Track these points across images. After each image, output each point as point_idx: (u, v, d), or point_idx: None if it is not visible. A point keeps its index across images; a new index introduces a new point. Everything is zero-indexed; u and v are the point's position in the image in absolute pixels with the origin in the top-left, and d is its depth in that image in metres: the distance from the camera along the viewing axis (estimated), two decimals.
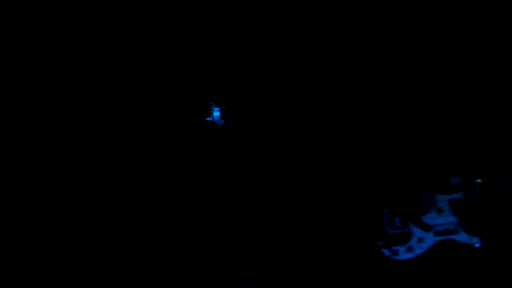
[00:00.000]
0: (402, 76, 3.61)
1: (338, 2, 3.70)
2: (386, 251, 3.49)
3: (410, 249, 3.45)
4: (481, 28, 3.48)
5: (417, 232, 3.44)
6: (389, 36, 3.63)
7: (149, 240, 3.69)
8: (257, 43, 3.76)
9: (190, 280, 3.64)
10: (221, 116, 3.19)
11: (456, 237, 3.38)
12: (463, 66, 3.44)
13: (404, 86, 3.60)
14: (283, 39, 3.76)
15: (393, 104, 3.56)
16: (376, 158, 3.58)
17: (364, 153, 3.63)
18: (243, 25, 3.74)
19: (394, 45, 3.62)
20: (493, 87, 3.34)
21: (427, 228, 3.36)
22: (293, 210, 3.62)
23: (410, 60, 3.58)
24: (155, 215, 3.68)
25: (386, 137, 3.57)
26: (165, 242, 3.66)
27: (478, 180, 3.29)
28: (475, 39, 3.48)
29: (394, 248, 3.48)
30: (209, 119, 3.20)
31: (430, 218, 3.43)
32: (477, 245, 3.32)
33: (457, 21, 3.50)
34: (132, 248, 3.68)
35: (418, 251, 3.44)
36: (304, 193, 3.65)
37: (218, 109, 3.18)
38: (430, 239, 3.42)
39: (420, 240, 3.43)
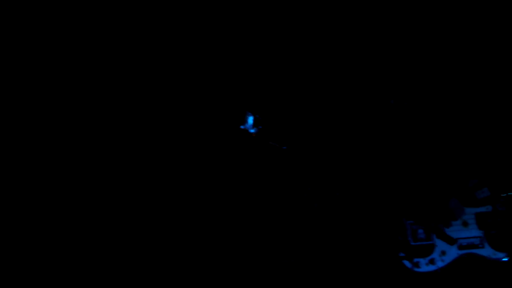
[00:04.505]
0: (433, 84, 3.65)
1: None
2: (407, 263, 3.42)
3: (432, 261, 3.40)
4: None
5: (440, 244, 3.39)
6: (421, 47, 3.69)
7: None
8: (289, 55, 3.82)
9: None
10: (255, 125, 3.22)
11: (480, 252, 3.34)
12: (496, 77, 3.49)
13: (435, 96, 3.62)
14: (314, 52, 3.82)
15: (423, 113, 3.57)
16: (404, 166, 3.55)
17: (391, 161, 3.60)
18: (279, 39, 3.81)
19: (426, 56, 3.67)
20: None
21: (451, 241, 3.32)
22: (316, 205, 3.54)
23: (442, 70, 3.63)
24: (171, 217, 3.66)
25: (415, 147, 3.57)
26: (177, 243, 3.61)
27: (509, 193, 3.29)
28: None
29: (416, 260, 3.42)
30: (243, 127, 3.23)
31: (455, 231, 3.39)
32: (504, 259, 3.29)
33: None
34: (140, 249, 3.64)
35: (440, 264, 3.38)
36: (327, 200, 3.59)
37: (252, 117, 3.22)
38: (453, 253, 3.38)
39: (443, 253, 3.38)
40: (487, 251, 3.32)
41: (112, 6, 3.76)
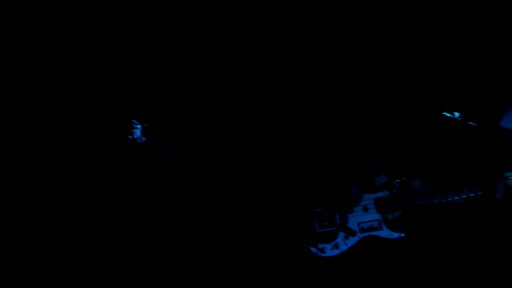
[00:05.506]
0: (331, 82, 3.79)
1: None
2: (313, 249, 3.59)
3: (336, 246, 3.59)
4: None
5: None
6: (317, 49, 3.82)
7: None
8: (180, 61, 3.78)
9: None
10: (143, 134, 3.09)
11: (378, 233, 3.60)
12: (389, 73, 3.71)
13: (333, 91, 3.77)
14: (208, 55, 3.79)
15: (323, 107, 3.70)
16: (305, 159, 3.67)
17: (293, 155, 3.70)
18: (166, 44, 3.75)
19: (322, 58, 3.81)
20: (414, 96, 3.66)
21: (352, 233, 3.49)
22: (219, 209, 3.54)
23: (337, 69, 3.79)
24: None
25: (315, 139, 3.69)
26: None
27: (403, 179, 3.56)
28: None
29: (321, 246, 3.59)
30: (131, 137, 3.09)
31: (356, 216, 3.61)
32: (396, 238, 3.58)
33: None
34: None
35: (344, 247, 3.60)
36: (232, 194, 3.60)
37: (140, 126, 3.08)
38: (355, 237, 3.60)
39: (346, 237, 3.59)
40: (384, 232, 3.59)
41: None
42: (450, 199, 3.43)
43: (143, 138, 3.09)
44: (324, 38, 3.84)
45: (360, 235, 3.60)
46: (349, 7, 3.86)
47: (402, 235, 3.58)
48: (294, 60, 3.82)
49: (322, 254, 3.59)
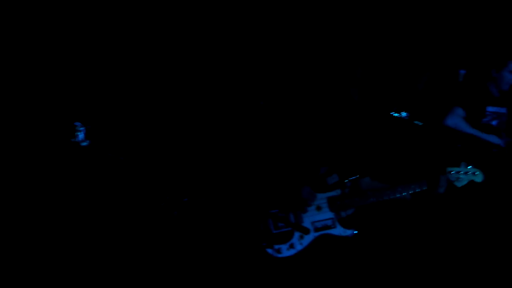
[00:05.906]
0: (280, 82, 3.85)
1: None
2: (269, 250, 3.64)
3: (292, 246, 3.65)
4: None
5: None
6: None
7: None
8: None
9: None
10: (87, 137, 3.03)
11: (332, 231, 3.68)
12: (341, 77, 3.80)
13: (283, 92, 3.83)
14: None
15: (274, 108, 3.76)
16: (259, 161, 3.71)
17: (247, 157, 3.74)
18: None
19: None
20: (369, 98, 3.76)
21: (306, 231, 3.55)
22: (176, 213, 3.54)
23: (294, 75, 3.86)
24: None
25: (267, 140, 3.74)
26: None
27: (354, 177, 3.65)
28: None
29: (277, 246, 3.64)
30: (74, 140, 3.02)
31: (310, 216, 3.68)
32: (349, 235, 3.66)
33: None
34: None
35: (299, 247, 3.66)
36: (187, 196, 3.61)
37: (83, 129, 3.02)
38: (310, 236, 3.67)
39: (301, 237, 3.66)
40: (338, 230, 3.67)
41: None
42: (399, 195, 3.54)
43: (87, 141, 3.03)
44: (273, 38, 3.88)
45: (315, 234, 3.67)
46: (298, 6, 3.92)
47: (355, 232, 3.67)
48: (241, 61, 3.85)
49: (279, 255, 3.64)
